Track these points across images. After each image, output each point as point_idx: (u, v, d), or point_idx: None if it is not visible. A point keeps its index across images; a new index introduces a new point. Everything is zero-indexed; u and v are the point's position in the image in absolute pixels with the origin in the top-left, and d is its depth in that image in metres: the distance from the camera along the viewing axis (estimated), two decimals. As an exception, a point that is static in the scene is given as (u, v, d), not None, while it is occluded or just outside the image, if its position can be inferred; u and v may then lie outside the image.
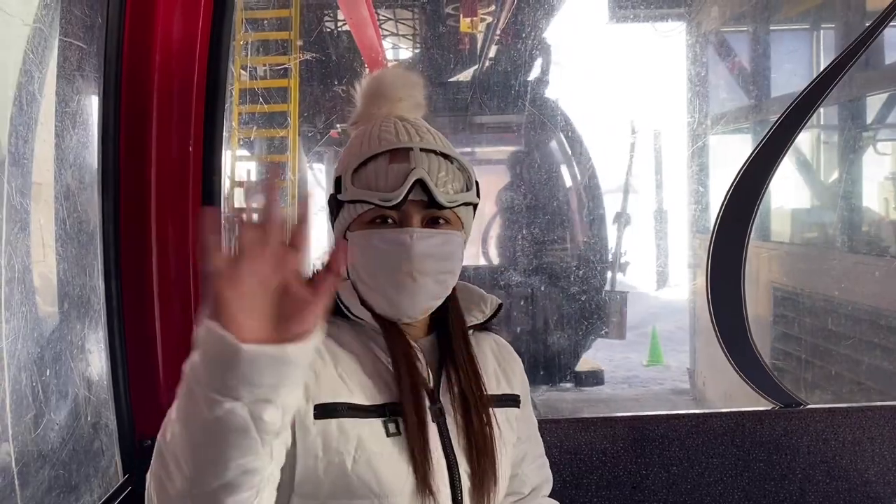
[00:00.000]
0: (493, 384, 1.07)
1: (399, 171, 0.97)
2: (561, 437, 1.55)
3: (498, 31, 7.75)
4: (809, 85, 1.63)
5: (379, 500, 0.91)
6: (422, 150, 0.99)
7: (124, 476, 1.48)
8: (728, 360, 1.59)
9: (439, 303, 1.01)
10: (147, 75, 1.47)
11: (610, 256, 7.02)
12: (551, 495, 1.16)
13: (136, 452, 1.49)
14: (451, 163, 1.00)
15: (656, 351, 8.45)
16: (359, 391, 0.95)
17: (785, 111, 1.64)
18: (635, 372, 8.24)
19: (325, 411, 0.92)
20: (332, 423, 0.92)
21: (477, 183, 1.03)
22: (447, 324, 1.04)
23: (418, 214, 0.98)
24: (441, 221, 0.99)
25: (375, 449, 0.92)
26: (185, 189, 1.47)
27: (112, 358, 1.50)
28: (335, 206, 1.01)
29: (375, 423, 0.94)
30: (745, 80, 6.64)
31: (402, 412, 0.95)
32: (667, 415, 1.58)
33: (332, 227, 1.04)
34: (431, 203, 0.97)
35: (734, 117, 6.63)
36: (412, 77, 1.08)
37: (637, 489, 1.56)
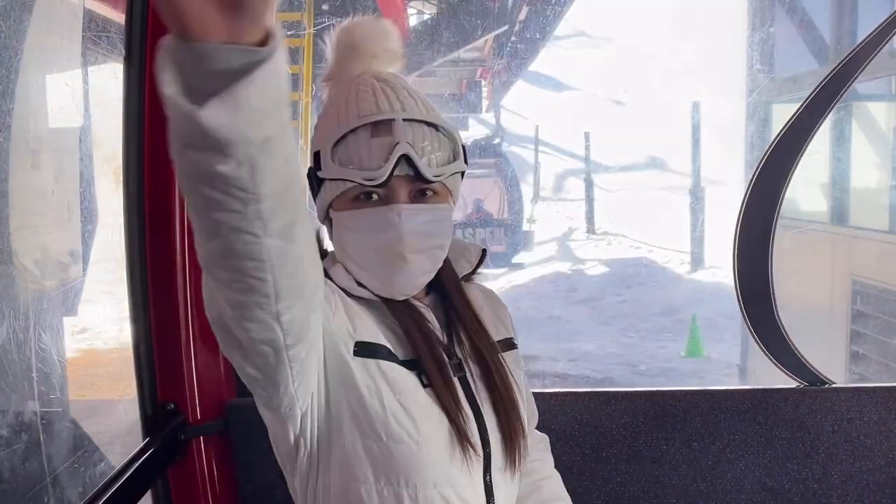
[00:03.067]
0: (493, 331, 1.12)
1: (382, 145, 0.97)
2: (581, 410, 1.65)
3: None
4: (844, 59, 1.68)
5: (418, 447, 0.96)
6: (405, 119, 0.98)
7: (145, 440, 1.60)
8: (753, 336, 1.67)
9: (430, 277, 1.04)
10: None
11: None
12: (570, 468, 1.24)
13: (159, 417, 1.61)
14: (437, 130, 1.00)
15: (696, 341, 8.22)
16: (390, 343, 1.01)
17: (817, 87, 1.69)
18: (673, 364, 8.07)
19: (366, 350, 0.98)
20: (372, 364, 0.98)
21: (464, 147, 1.04)
22: (442, 282, 1.08)
23: (405, 189, 0.99)
24: (429, 194, 1.01)
25: (413, 396, 0.98)
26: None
27: (135, 322, 1.61)
28: (315, 181, 1.01)
29: (410, 375, 0.99)
30: (815, 41, 6.41)
31: (426, 371, 1.00)
32: (689, 390, 1.67)
33: (315, 201, 1.06)
34: (418, 176, 0.98)
35: (805, 83, 6.26)
36: (385, 27, 1.06)
37: (657, 463, 1.65)
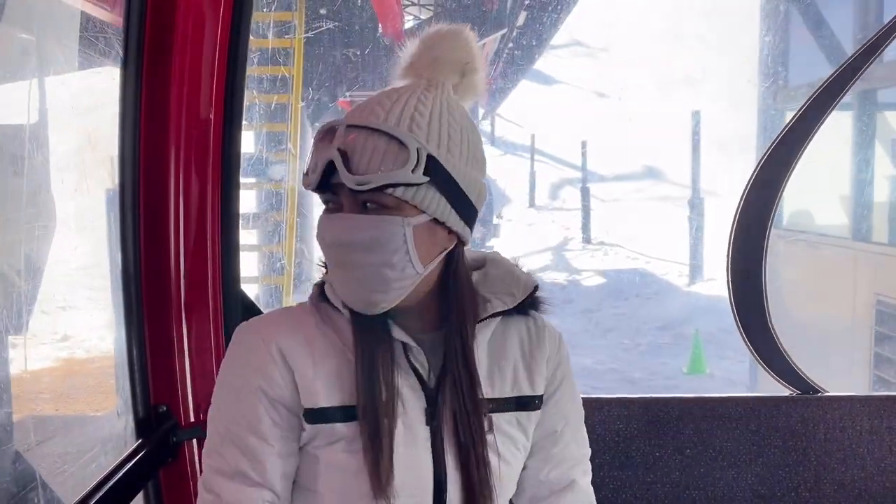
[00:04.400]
0: (509, 384, 1.11)
1: (319, 152, 1.01)
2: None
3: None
4: (837, 70, 1.74)
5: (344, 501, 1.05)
6: (351, 126, 1.00)
7: (137, 441, 1.63)
8: (746, 344, 1.72)
9: (393, 296, 1.02)
10: (168, 46, 1.61)
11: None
12: None
13: (152, 418, 1.65)
14: (389, 138, 0.98)
15: (698, 358, 8.16)
16: (342, 391, 1.05)
17: (811, 97, 1.75)
18: (675, 381, 8.01)
19: (316, 417, 1.05)
20: (318, 427, 1.05)
21: (434, 160, 0.99)
22: (452, 318, 1.07)
23: (348, 199, 1.00)
24: (371, 206, 0.99)
25: (344, 452, 1.04)
26: (205, 157, 1.62)
27: (129, 323, 1.65)
28: None
29: (353, 426, 1.04)
30: (831, 45, 6.31)
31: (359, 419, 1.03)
32: (682, 397, 1.72)
33: None
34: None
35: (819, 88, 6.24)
36: (455, 36, 1.09)
37: (650, 470, 1.70)
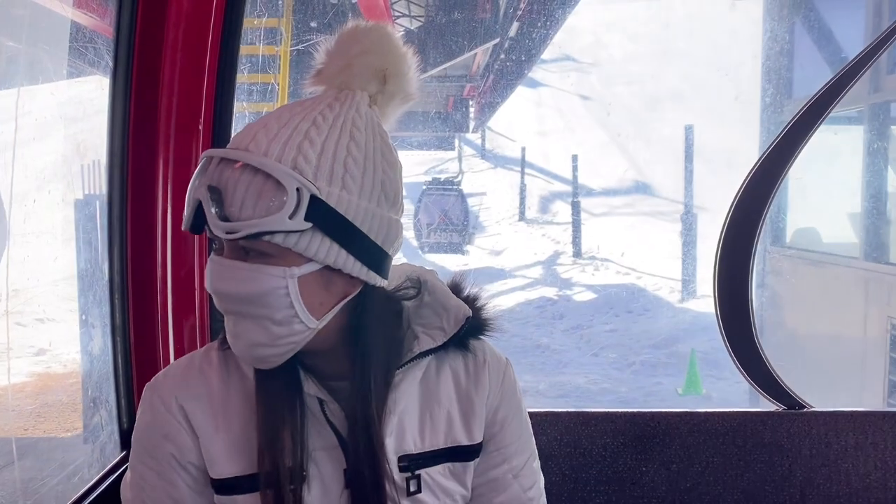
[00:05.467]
0: (442, 435, 1.04)
1: (192, 187, 0.91)
2: (561, 430, 1.72)
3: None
4: (828, 83, 1.79)
5: None
6: (223, 160, 0.89)
7: (122, 453, 1.65)
8: (732, 359, 1.76)
9: (282, 350, 0.93)
10: (158, 57, 1.64)
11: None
12: (549, 489, 1.15)
13: (136, 430, 1.67)
14: (266, 176, 0.88)
15: (694, 378, 8.04)
16: (249, 456, 0.98)
17: (800, 110, 1.80)
18: (671, 403, 7.90)
19: (219, 488, 1.00)
20: (222, 499, 1.00)
21: (318, 201, 0.88)
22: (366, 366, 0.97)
23: (228, 243, 0.91)
24: (251, 253, 0.90)
25: None
26: (194, 166, 1.64)
27: (113, 334, 1.68)
28: None
29: (256, 497, 0.97)
30: (835, 53, 6.22)
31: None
32: (668, 412, 1.75)
33: None
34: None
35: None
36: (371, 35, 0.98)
37: (636, 485, 1.73)
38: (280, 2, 6.12)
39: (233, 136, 0.97)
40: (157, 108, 1.65)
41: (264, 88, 6.06)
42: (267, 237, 0.88)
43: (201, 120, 1.67)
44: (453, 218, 13.43)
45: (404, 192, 0.99)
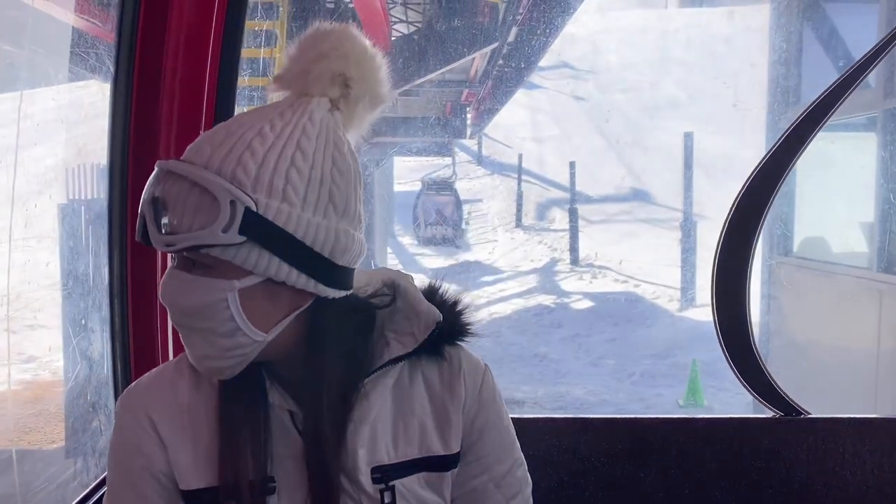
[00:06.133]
0: (416, 444, 1.03)
1: (142, 199, 0.93)
2: (560, 436, 1.74)
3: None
4: (826, 90, 1.83)
5: None
6: (168, 172, 0.91)
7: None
8: (730, 366, 1.79)
9: (233, 362, 0.94)
10: (159, 62, 1.67)
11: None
12: (547, 495, 1.20)
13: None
14: (201, 190, 0.89)
15: (696, 389, 7.98)
16: (216, 468, 0.98)
17: (798, 118, 1.83)
18: (673, 415, 7.67)
19: (188, 500, 1.00)
20: None
21: (254, 215, 0.89)
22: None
23: (178, 255, 0.94)
24: (197, 265, 0.92)
25: None
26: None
27: (113, 340, 1.70)
28: None
29: None
30: (842, 59, 6.19)
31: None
32: (667, 418, 1.78)
33: None
34: None
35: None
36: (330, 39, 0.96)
37: (634, 492, 1.75)
38: (277, 6, 6.15)
39: None
40: (158, 113, 1.67)
41: (264, 93, 6.07)
42: (205, 250, 0.90)
43: (202, 125, 1.69)
44: (447, 214, 14.81)
45: (361, 200, 0.97)
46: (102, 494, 1.47)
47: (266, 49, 6.08)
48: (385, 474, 1.01)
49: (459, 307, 1.06)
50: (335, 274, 0.95)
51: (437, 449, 1.04)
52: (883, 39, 1.87)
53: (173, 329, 1.68)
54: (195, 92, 1.69)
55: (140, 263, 1.67)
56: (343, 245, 0.94)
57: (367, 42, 0.98)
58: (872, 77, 5.43)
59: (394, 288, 1.05)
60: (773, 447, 1.76)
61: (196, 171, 0.90)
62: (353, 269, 0.98)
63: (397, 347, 1.01)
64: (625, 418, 1.78)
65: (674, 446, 1.76)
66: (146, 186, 0.93)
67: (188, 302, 0.92)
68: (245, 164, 0.90)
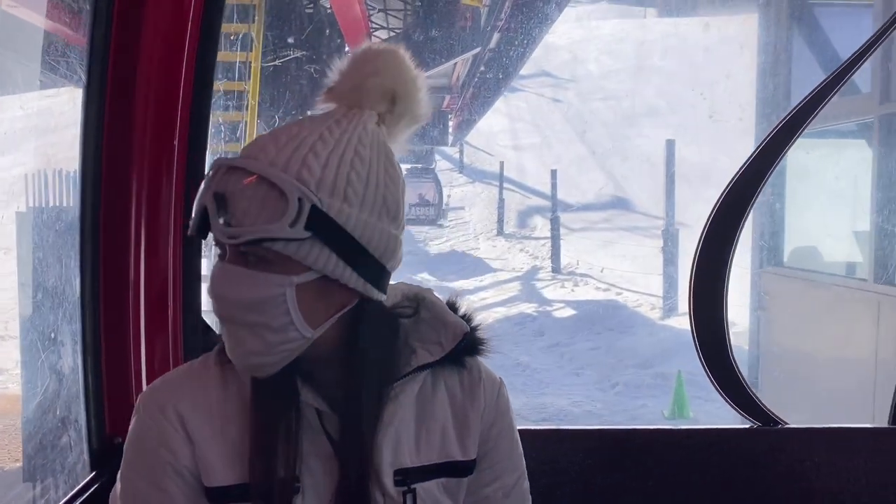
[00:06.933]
0: (436, 450, 1.07)
1: (200, 193, 0.96)
2: (537, 447, 1.75)
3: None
4: (797, 105, 1.85)
5: None
6: (232, 167, 0.95)
7: (92, 473, 1.65)
8: (708, 376, 1.81)
9: (277, 359, 0.97)
10: (133, 69, 1.66)
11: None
12: None
13: (107, 449, 1.67)
14: (271, 185, 0.93)
15: (682, 401, 7.93)
16: (243, 465, 1.00)
17: (774, 128, 1.86)
18: (651, 425, 7.54)
19: (212, 496, 1.02)
20: None
21: (319, 212, 0.93)
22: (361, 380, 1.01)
23: (231, 248, 0.96)
24: (251, 259, 0.95)
25: None
26: (168, 184, 1.66)
27: (84, 352, 1.68)
28: None
29: None
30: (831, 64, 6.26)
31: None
32: (645, 429, 1.79)
33: None
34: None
35: (832, 112, 5.32)
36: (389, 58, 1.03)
37: (613, 502, 1.76)
38: (252, 12, 6.14)
39: (244, 146, 1.02)
40: (131, 120, 1.66)
41: (240, 99, 6.06)
42: (267, 244, 0.93)
43: (176, 133, 1.68)
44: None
45: (406, 209, 1.04)
46: (89, 494, 1.47)
47: (241, 53, 6.07)
48: (407, 477, 1.05)
49: (475, 323, 1.12)
50: (383, 276, 1.01)
51: (457, 454, 1.09)
52: (857, 52, 1.90)
53: (146, 342, 1.67)
54: (170, 98, 1.68)
55: (113, 273, 1.66)
56: (392, 249, 1.00)
57: (413, 64, 1.05)
58: (868, 82, 5.54)
59: (417, 301, 1.10)
60: (751, 457, 1.78)
61: (265, 168, 0.94)
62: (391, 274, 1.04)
63: (424, 355, 1.06)
64: (602, 429, 1.79)
65: (652, 457, 1.77)
66: (204, 182, 0.97)
67: (244, 295, 0.95)
68: (310, 165, 0.94)
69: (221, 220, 0.94)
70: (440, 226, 17.07)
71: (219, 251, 0.99)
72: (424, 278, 13.58)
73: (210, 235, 0.98)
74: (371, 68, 1.02)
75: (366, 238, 0.97)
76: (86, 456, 1.69)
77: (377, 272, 1.00)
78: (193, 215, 0.97)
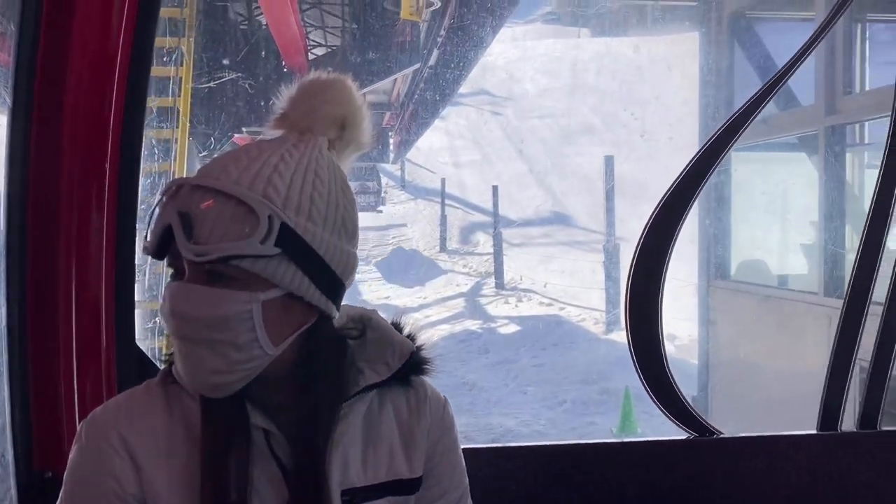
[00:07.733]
0: (384, 468, 1.09)
1: (160, 214, 0.97)
2: (478, 467, 1.76)
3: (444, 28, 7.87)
4: (724, 124, 1.93)
5: None
6: (195, 186, 0.96)
7: (19, 510, 1.60)
8: (645, 388, 1.85)
9: (237, 377, 0.98)
10: (61, 86, 1.62)
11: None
12: None
13: (35, 484, 1.62)
14: (238, 203, 0.95)
15: (629, 417, 7.98)
16: (191, 492, 1.00)
17: (703, 147, 1.93)
18: (597, 441, 7.50)
19: None
20: None
21: (287, 229, 0.96)
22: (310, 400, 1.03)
23: (192, 267, 0.96)
24: (220, 278, 0.95)
25: None
26: (99, 209, 1.63)
27: (11, 384, 1.63)
28: None
29: None
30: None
31: None
32: (584, 444, 1.82)
33: None
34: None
35: (776, 125, 5.59)
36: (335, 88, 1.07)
37: (555, 519, 1.78)
38: (182, 25, 6.07)
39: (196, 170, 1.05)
40: (59, 143, 1.62)
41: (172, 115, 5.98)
42: (235, 261, 0.95)
43: (108, 156, 1.65)
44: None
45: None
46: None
47: (172, 68, 5.99)
48: (355, 497, 1.08)
49: (419, 342, 1.16)
50: (340, 293, 1.04)
51: (404, 472, 1.11)
52: (783, 68, 1.99)
53: (78, 374, 1.63)
54: (100, 119, 1.64)
55: (41, 302, 1.61)
56: (351, 266, 1.04)
57: (359, 93, 1.10)
58: (811, 94, 5.61)
59: (363, 322, 1.13)
60: (688, 468, 1.83)
61: (233, 187, 0.96)
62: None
63: (371, 375, 1.09)
64: (543, 445, 1.82)
65: (593, 471, 1.80)
66: (164, 202, 0.98)
67: (210, 313, 0.95)
68: (275, 184, 0.97)
69: (187, 239, 0.94)
70: (380, 212, 18.04)
71: (172, 272, 1.00)
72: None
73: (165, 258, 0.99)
74: (322, 97, 1.06)
75: (328, 256, 1.00)
76: (13, 492, 1.64)
77: (336, 289, 1.03)
78: (151, 236, 0.97)
